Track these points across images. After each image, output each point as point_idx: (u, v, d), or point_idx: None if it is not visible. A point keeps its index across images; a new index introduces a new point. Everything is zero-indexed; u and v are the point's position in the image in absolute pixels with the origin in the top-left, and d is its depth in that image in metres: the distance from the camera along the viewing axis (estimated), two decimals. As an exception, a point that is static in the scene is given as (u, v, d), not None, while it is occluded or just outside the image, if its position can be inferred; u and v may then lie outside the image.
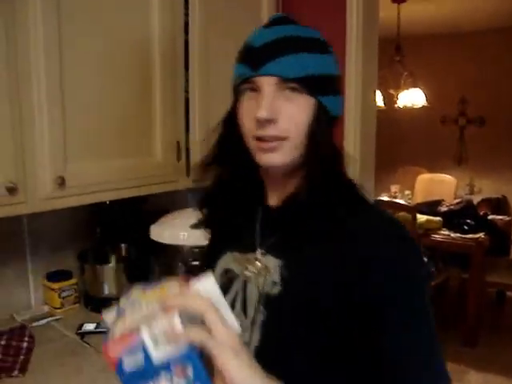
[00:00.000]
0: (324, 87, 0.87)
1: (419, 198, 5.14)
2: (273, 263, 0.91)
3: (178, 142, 1.83)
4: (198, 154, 1.83)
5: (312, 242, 0.85)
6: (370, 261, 0.81)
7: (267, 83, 0.85)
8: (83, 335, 1.68)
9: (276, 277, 0.89)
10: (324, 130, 0.87)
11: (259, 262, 0.93)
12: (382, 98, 4.74)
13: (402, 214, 3.83)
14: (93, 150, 1.60)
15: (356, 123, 2.14)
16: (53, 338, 1.69)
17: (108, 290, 1.90)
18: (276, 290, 0.88)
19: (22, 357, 1.54)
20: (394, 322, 0.81)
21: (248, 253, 0.95)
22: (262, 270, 0.91)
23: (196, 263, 1.84)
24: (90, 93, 1.57)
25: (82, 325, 1.73)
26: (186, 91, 1.83)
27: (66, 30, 1.48)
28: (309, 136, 0.86)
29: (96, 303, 1.89)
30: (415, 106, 4.86)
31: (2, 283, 1.81)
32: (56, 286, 1.86)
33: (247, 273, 0.94)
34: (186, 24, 1.79)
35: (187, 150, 1.86)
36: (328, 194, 0.86)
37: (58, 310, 1.86)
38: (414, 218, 3.83)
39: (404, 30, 4.57)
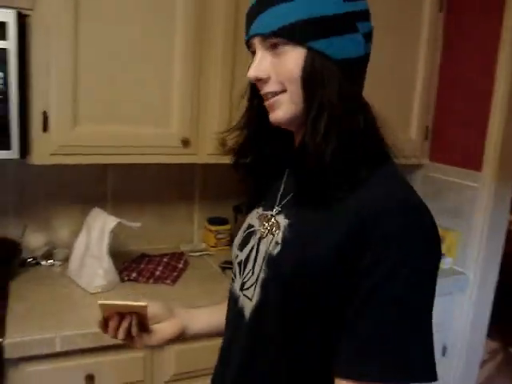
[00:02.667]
0: (312, 31, 0.79)
1: None
2: (282, 222, 0.90)
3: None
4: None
5: (317, 205, 0.83)
6: (371, 231, 0.76)
7: (255, 44, 0.85)
8: (224, 269, 2.07)
9: (279, 237, 0.88)
10: (323, 77, 0.80)
11: (273, 219, 0.92)
12: None
13: None
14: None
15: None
16: (202, 267, 2.12)
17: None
18: (276, 250, 0.87)
19: (175, 273, 1.97)
20: (377, 293, 0.75)
21: (269, 210, 0.95)
22: (274, 228, 0.91)
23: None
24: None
25: (225, 261, 2.11)
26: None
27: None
28: (303, 86, 0.81)
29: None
30: None
31: (174, 219, 2.29)
32: (214, 228, 2.28)
33: (262, 230, 0.93)
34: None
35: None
36: (333, 153, 0.80)
37: (212, 248, 2.29)
38: None
39: None
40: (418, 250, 0.76)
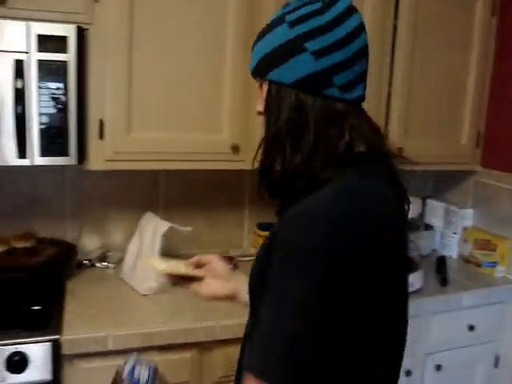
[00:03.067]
0: (269, 64, 0.89)
1: None
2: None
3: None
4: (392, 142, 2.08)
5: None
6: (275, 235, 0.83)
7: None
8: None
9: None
10: (277, 101, 0.89)
11: None
12: None
13: None
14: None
15: None
16: (250, 271, 2.14)
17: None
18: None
19: (224, 277, 2.01)
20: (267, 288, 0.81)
21: None
22: None
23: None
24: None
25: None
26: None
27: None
28: (264, 113, 0.94)
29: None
30: None
31: (224, 224, 2.34)
32: (263, 233, 2.31)
33: None
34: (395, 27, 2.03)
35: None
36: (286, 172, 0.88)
37: (261, 254, 2.30)
38: None
39: None
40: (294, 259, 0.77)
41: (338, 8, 0.87)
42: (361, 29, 0.90)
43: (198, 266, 1.27)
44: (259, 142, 0.94)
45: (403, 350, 0.93)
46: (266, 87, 0.92)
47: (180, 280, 1.27)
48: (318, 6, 0.87)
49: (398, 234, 0.89)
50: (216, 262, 1.27)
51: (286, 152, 0.88)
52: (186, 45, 1.77)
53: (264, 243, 0.92)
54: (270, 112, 0.91)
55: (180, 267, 1.26)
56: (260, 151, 0.93)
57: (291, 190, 0.88)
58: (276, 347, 0.75)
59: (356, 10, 0.90)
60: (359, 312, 0.78)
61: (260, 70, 0.92)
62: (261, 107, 0.94)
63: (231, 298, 1.24)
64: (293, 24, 0.87)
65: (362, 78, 0.91)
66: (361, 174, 0.86)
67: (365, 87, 0.93)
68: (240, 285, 1.21)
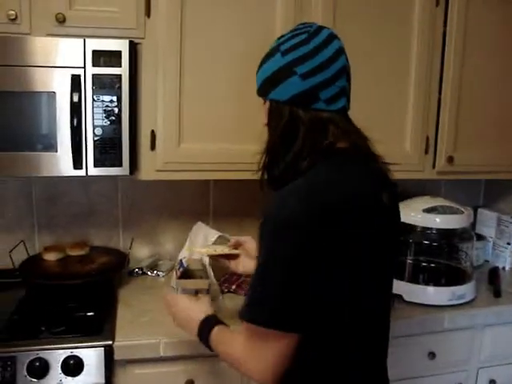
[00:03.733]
0: (269, 86, 1.13)
1: None
2: None
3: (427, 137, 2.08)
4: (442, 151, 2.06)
5: None
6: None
7: None
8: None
9: None
10: (275, 117, 1.14)
11: None
12: None
13: None
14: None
15: None
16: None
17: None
18: None
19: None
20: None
21: None
22: None
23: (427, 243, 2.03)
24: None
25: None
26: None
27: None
28: (267, 126, 1.18)
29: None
30: None
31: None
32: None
33: None
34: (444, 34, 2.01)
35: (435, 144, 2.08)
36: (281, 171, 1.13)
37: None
38: None
39: None
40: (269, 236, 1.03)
41: (321, 37, 1.10)
42: (341, 52, 1.11)
43: (236, 246, 1.60)
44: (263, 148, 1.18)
45: (380, 327, 1.18)
46: (267, 105, 1.15)
47: (220, 259, 1.61)
48: (304, 36, 1.10)
49: (372, 215, 1.07)
50: (250, 243, 1.57)
51: (281, 152, 1.12)
52: (234, 57, 1.80)
53: None
54: (271, 124, 1.15)
55: (220, 248, 1.61)
56: (264, 155, 1.18)
57: (284, 180, 1.08)
58: (255, 295, 1.05)
59: (336, 37, 1.13)
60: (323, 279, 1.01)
61: (262, 91, 1.16)
62: (265, 120, 1.17)
63: None
64: (285, 53, 1.10)
65: (344, 92, 1.12)
66: (336, 163, 1.09)
67: (348, 99, 1.14)
68: None
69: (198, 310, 1.33)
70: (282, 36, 1.15)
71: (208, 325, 1.26)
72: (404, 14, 1.95)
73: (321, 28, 1.13)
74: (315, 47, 1.08)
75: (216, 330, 1.24)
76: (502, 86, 2.16)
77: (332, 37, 1.12)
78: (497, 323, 1.98)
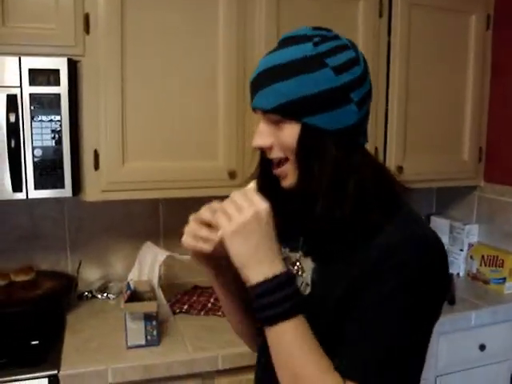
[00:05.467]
0: (307, 108, 0.86)
1: None
2: (308, 266, 0.97)
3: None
4: (392, 161, 2.07)
5: (338, 253, 0.88)
6: (382, 264, 0.82)
7: (259, 115, 0.93)
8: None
9: (308, 279, 0.96)
10: (317, 149, 0.87)
11: (298, 263, 0.99)
12: None
13: None
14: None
15: None
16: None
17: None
18: (307, 290, 0.95)
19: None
20: (371, 299, 0.82)
21: (293, 252, 1.01)
22: (300, 271, 0.98)
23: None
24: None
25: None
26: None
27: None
28: (298, 159, 0.88)
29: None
30: None
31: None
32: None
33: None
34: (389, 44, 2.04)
35: (384, 155, 2.09)
36: (341, 215, 0.85)
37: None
38: None
39: None
40: (422, 279, 0.82)
41: (360, 52, 0.91)
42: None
43: None
44: (292, 184, 0.92)
45: None
46: (293, 128, 0.88)
47: None
48: (351, 52, 0.88)
49: None
50: None
51: (333, 199, 0.86)
52: (177, 75, 1.78)
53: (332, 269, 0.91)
54: (307, 156, 0.88)
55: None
56: (322, 197, 0.87)
57: (339, 234, 0.87)
58: (384, 359, 0.81)
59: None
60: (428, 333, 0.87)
61: (289, 111, 0.87)
62: (266, 141, 0.92)
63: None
64: (338, 71, 0.86)
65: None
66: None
67: None
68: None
69: (278, 252, 0.86)
70: (307, 38, 0.88)
71: (289, 299, 0.82)
72: (349, 25, 1.96)
73: (345, 39, 0.92)
74: (366, 68, 0.90)
75: (301, 321, 0.83)
76: (448, 95, 2.19)
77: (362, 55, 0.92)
78: (452, 330, 1.98)
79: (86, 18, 1.66)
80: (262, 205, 0.83)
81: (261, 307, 0.82)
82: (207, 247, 0.89)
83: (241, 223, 0.82)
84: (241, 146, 1.88)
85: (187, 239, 0.92)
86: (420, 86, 2.11)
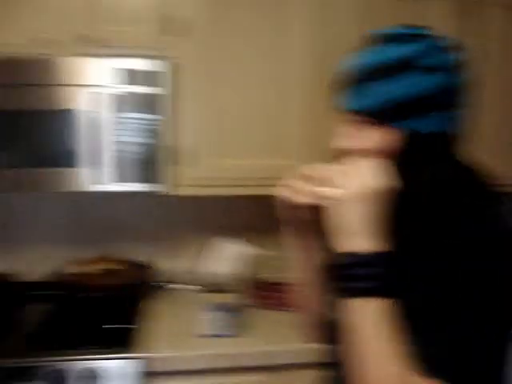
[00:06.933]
0: (409, 112, 0.80)
1: None
2: None
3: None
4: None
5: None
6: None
7: (343, 115, 0.88)
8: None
9: None
10: (421, 155, 0.82)
11: None
12: None
13: None
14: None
15: None
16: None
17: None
18: None
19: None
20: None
21: None
22: None
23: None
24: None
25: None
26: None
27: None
28: (399, 165, 0.81)
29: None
30: None
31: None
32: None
33: None
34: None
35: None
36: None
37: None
38: None
39: None
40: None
41: (467, 55, 0.86)
42: None
43: None
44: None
45: None
46: (387, 133, 0.82)
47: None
48: (457, 55, 0.84)
49: None
50: None
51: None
52: (255, 74, 1.85)
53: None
54: (409, 162, 0.82)
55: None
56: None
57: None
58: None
59: None
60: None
61: (388, 114, 0.81)
62: (347, 144, 0.87)
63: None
64: (444, 73, 0.81)
65: None
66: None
67: None
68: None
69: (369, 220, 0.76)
70: (408, 37, 0.83)
71: (377, 280, 0.73)
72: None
73: (449, 38, 0.86)
74: (468, 70, 0.86)
75: (385, 307, 0.73)
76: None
77: None
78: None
79: (177, 21, 1.75)
80: (393, 183, 0.76)
81: (355, 277, 0.74)
82: (307, 200, 0.82)
83: (371, 190, 0.74)
84: (315, 145, 1.88)
85: (285, 191, 0.87)
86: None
